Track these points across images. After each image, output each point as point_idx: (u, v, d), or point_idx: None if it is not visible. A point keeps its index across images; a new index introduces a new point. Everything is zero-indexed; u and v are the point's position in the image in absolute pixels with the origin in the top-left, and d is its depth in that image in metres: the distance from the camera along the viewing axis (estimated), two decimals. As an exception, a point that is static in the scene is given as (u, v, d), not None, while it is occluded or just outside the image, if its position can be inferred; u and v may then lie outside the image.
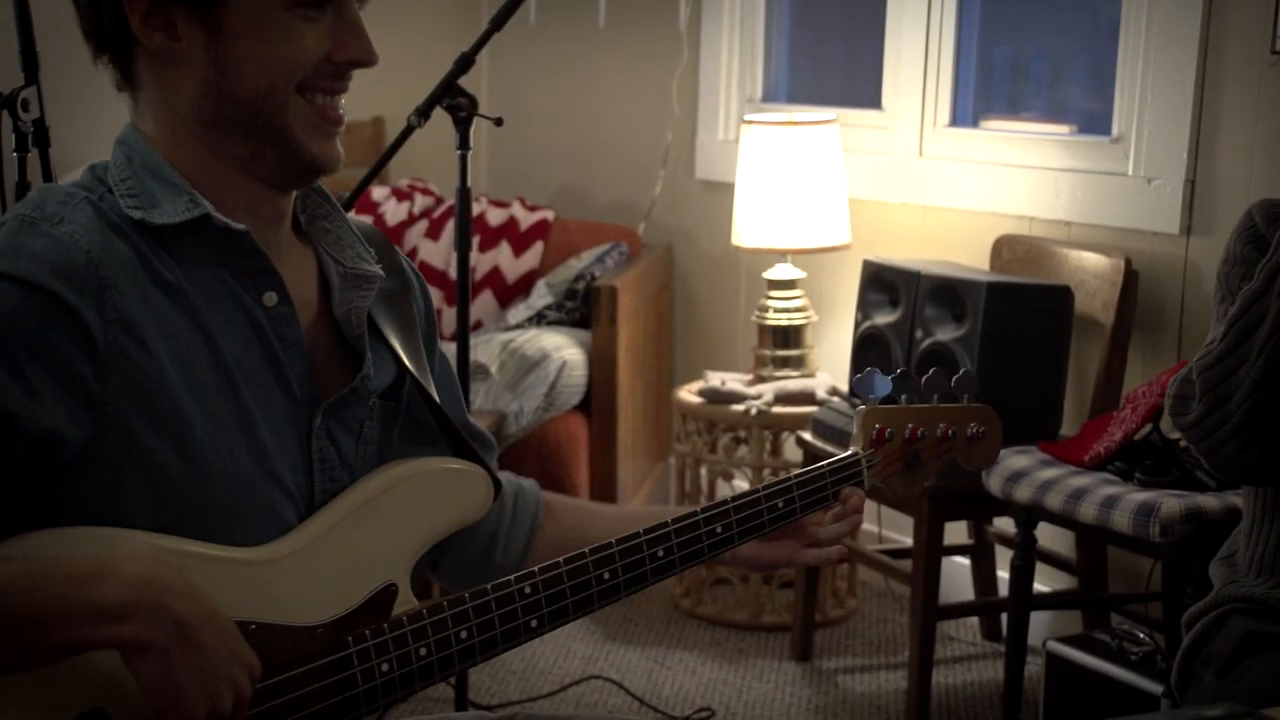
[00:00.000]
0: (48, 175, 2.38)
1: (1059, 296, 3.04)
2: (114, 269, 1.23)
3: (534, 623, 1.37)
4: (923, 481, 1.65)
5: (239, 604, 1.25)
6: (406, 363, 1.43)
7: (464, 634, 1.34)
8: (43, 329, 1.19)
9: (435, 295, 4.21)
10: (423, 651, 1.32)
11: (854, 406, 1.63)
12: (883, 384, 1.59)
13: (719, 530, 1.48)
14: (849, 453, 1.59)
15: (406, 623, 1.33)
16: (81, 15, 1.32)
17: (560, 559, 1.40)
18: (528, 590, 1.37)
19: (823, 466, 1.56)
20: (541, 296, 4.05)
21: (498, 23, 2.61)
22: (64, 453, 1.21)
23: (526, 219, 4.30)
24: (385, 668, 1.31)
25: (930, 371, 1.64)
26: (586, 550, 1.41)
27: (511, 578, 1.38)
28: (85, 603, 1.13)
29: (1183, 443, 2.49)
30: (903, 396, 1.61)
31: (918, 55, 3.67)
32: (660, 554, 1.43)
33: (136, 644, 1.14)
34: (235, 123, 1.30)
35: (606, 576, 1.41)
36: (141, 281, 1.25)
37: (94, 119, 4.04)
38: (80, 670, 1.18)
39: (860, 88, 3.99)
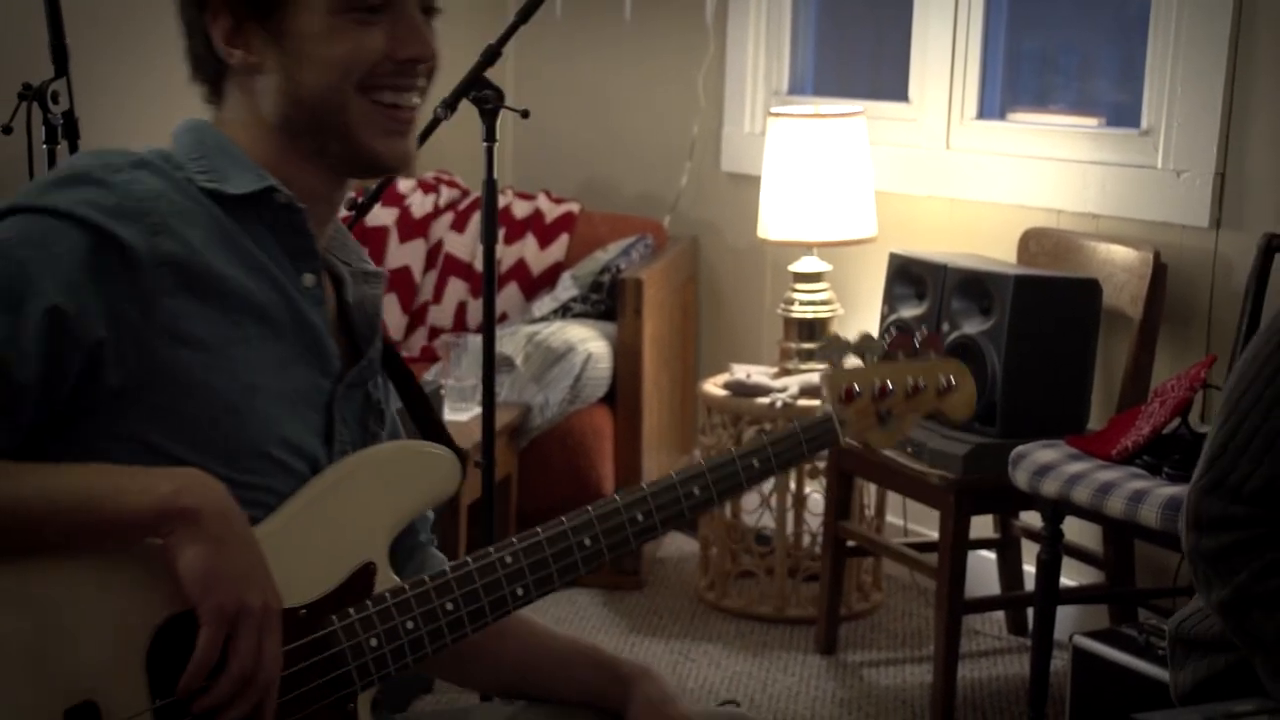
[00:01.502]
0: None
1: (1087, 290, 3.03)
2: (167, 216, 1.31)
3: (519, 590, 1.41)
4: (899, 435, 1.69)
5: None
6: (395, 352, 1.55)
7: (450, 605, 1.37)
8: (94, 261, 1.26)
9: (461, 287, 4.22)
10: (410, 625, 1.36)
11: (823, 382, 1.66)
12: (845, 348, 1.66)
13: (696, 492, 1.50)
14: (820, 413, 1.64)
15: (390, 598, 1.36)
16: (186, 45, 1.45)
17: (538, 528, 1.44)
18: (509, 560, 1.41)
19: (794, 425, 1.60)
20: (567, 289, 4.05)
21: (524, 15, 2.61)
22: (108, 370, 1.27)
23: (552, 211, 4.31)
24: (374, 643, 1.34)
25: (892, 332, 1.66)
26: (564, 519, 1.45)
27: (491, 549, 1.42)
28: (139, 483, 1.21)
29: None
30: (869, 358, 1.67)
31: (945, 47, 3.65)
32: (640, 518, 1.47)
33: (187, 515, 1.20)
34: (304, 123, 1.40)
35: (588, 543, 1.44)
36: (200, 232, 1.34)
37: (122, 111, 4.07)
38: (68, 663, 1.20)
39: (887, 80, 3.97)
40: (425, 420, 1.54)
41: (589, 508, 1.46)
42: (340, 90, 1.38)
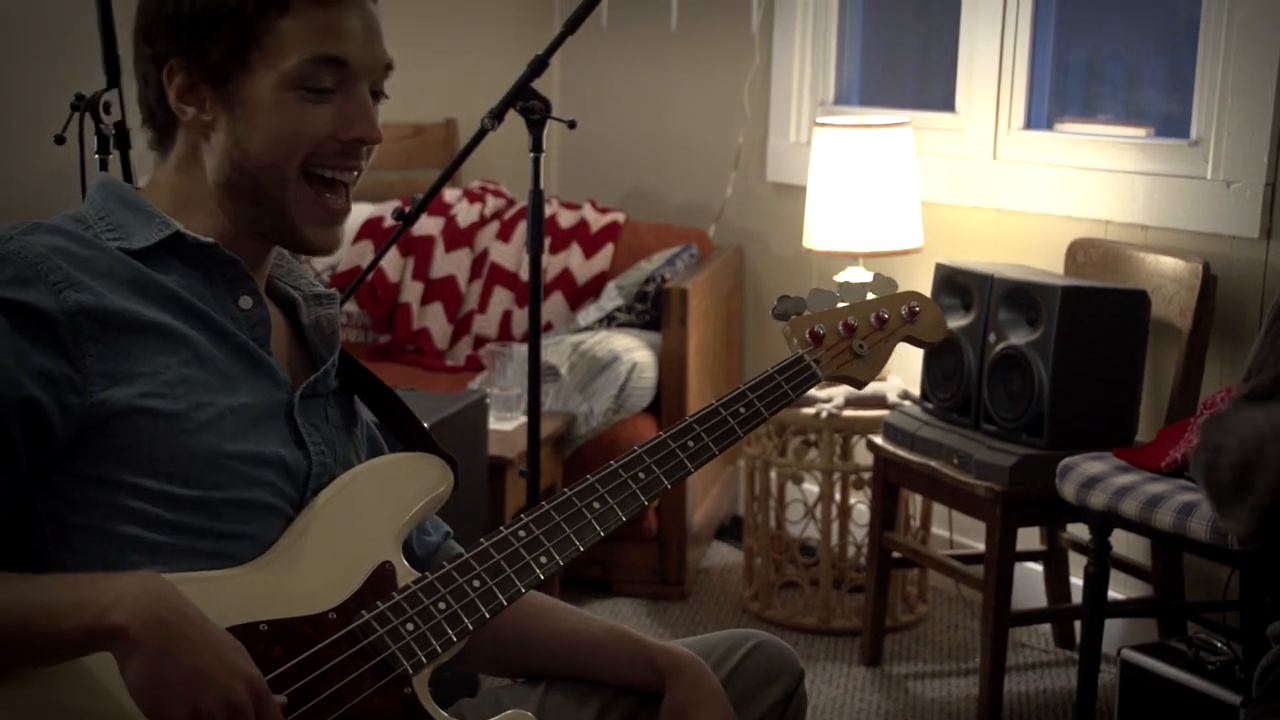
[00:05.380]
0: (128, 177, 2.41)
1: (1135, 301, 3.01)
2: (68, 270, 1.34)
3: (543, 559, 1.46)
4: (880, 366, 1.74)
5: (243, 610, 1.31)
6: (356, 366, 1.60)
7: (476, 582, 1.43)
8: (10, 332, 1.30)
9: (506, 297, 4.23)
10: (442, 606, 1.40)
11: (786, 335, 1.75)
12: (800, 302, 1.72)
13: (690, 444, 1.58)
14: (791, 356, 1.69)
15: (414, 585, 1.41)
16: (140, 93, 1.49)
17: (543, 502, 1.50)
18: (522, 533, 1.47)
19: (770, 370, 1.66)
20: (612, 298, 4.06)
21: (571, 25, 2.62)
22: (52, 426, 1.30)
23: (597, 221, 4.31)
24: (410, 626, 1.38)
25: (844, 283, 1.72)
26: (567, 489, 1.51)
27: (502, 527, 1.47)
28: (73, 599, 1.19)
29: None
30: (824, 308, 1.73)
31: (992, 57, 3.64)
32: (642, 476, 1.53)
33: (122, 634, 1.17)
34: (243, 190, 1.44)
35: (597, 505, 1.50)
36: (105, 279, 1.36)
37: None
38: (115, 695, 1.21)
39: (934, 90, 3.96)
40: (408, 430, 1.59)
41: (589, 476, 1.52)
42: (284, 167, 1.42)
